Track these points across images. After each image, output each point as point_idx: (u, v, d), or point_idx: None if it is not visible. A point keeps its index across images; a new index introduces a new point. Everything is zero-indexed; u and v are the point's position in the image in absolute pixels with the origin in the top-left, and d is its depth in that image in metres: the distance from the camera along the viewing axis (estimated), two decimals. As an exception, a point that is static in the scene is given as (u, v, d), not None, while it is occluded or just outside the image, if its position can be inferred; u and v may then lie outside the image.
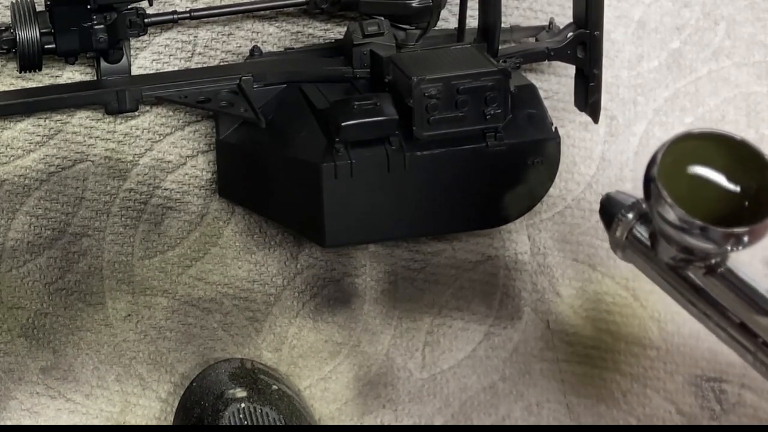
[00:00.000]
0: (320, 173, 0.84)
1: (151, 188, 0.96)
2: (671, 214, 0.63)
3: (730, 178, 0.65)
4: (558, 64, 0.98)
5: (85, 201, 0.95)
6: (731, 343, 0.67)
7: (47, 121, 0.94)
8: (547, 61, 0.95)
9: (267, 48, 0.96)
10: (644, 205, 0.70)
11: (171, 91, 0.90)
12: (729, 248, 0.63)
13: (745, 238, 0.62)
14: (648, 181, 0.64)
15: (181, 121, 0.96)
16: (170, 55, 0.95)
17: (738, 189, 0.65)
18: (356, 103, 0.84)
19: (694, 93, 1.04)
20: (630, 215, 0.71)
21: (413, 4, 0.90)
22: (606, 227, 0.73)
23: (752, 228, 0.62)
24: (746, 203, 0.64)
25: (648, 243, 0.71)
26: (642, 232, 0.71)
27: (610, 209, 0.73)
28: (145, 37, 0.93)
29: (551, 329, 1.01)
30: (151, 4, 0.88)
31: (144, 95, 0.89)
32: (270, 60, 0.94)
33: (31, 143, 0.94)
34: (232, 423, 0.90)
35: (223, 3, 0.95)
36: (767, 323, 0.63)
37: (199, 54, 0.96)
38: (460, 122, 0.84)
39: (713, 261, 0.65)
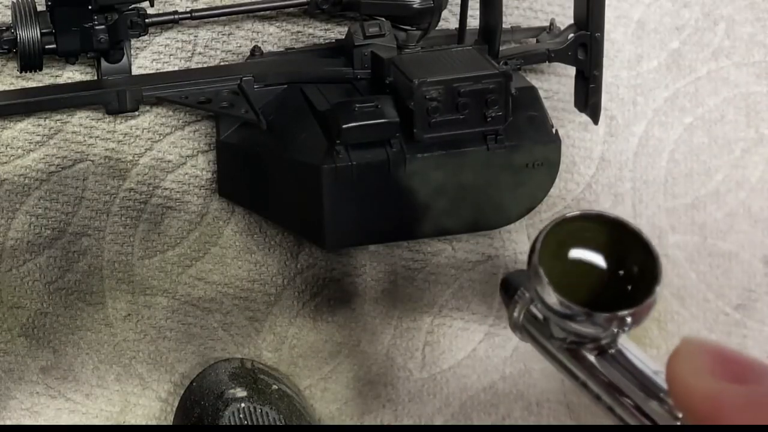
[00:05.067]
0: (321, 175, 0.84)
1: (151, 188, 0.96)
2: (552, 299, 0.62)
3: (612, 259, 0.64)
4: (558, 64, 0.98)
5: (85, 201, 0.95)
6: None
7: (47, 120, 0.94)
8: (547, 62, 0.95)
9: (267, 48, 0.96)
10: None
11: (172, 91, 0.90)
12: (615, 330, 0.62)
13: (629, 320, 0.61)
14: (530, 265, 0.63)
15: (181, 120, 0.96)
16: (170, 55, 0.95)
17: (620, 270, 0.63)
18: (357, 105, 0.84)
19: (694, 93, 1.04)
20: (528, 294, 0.70)
21: (414, 5, 0.90)
22: (506, 308, 0.72)
23: (635, 310, 0.61)
24: (629, 287, 0.63)
25: (544, 322, 0.69)
26: (538, 311, 0.69)
27: (509, 289, 0.72)
28: (146, 37, 0.93)
29: (551, 329, 1.01)
30: (152, 5, 0.88)
31: (144, 95, 0.89)
32: (271, 60, 0.94)
33: (31, 143, 0.94)
34: (232, 423, 0.90)
35: (223, 3, 0.95)
36: (657, 407, 0.61)
37: (200, 54, 0.96)
38: (461, 125, 0.84)
39: (603, 342, 0.64)
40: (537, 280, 0.62)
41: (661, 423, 0.60)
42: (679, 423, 0.59)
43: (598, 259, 0.64)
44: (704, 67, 1.04)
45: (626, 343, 0.64)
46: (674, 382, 0.49)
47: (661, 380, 0.61)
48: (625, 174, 1.03)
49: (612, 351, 0.64)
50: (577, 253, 0.64)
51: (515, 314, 0.71)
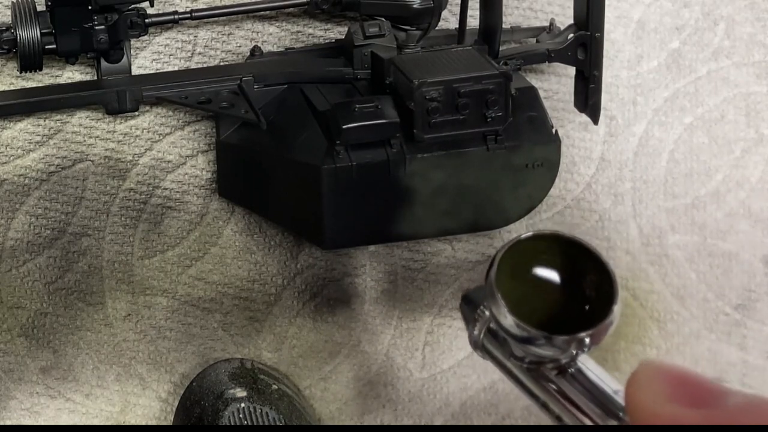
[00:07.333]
0: (321, 175, 0.84)
1: (151, 188, 0.96)
2: (509, 321, 0.61)
3: (569, 279, 0.63)
4: (558, 64, 0.98)
5: (85, 201, 0.95)
6: None
7: (47, 120, 0.94)
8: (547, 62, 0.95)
9: (267, 48, 0.96)
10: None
11: (172, 91, 0.90)
12: (574, 352, 0.62)
13: (588, 341, 0.60)
14: (486, 287, 0.62)
15: (181, 120, 0.96)
16: (170, 55, 0.95)
17: (578, 290, 0.62)
18: (357, 105, 0.84)
19: (694, 93, 1.04)
20: (488, 312, 0.69)
21: (414, 5, 0.90)
22: (466, 325, 0.71)
23: (593, 331, 0.60)
24: (587, 306, 0.63)
25: (503, 341, 0.68)
26: (499, 329, 0.68)
27: (469, 305, 0.71)
28: (145, 37, 0.93)
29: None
30: (152, 5, 0.88)
31: (144, 95, 0.89)
32: (270, 60, 0.94)
33: (31, 143, 0.94)
34: (232, 423, 0.90)
35: (223, 3, 0.95)
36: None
37: (199, 54, 0.96)
38: (461, 125, 0.84)
39: (563, 362, 0.64)
40: (493, 302, 0.62)
41: None
42: None
43: (555, 279, 0.64)
44: (704, 67, 1.04)
45: (586, 362, 0.64)
46: (633, 406, 0.49)
47: (620, 399, 0.60)
48: (625, 174, 1.03)
49: (572, 370, 0.63)
50: (534, 274, 0.64)
51: (475, 332, 0.70)
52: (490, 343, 0.69)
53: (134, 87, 0.89)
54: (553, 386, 0.63)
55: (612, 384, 0.61)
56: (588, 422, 0.61)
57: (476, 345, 0.70)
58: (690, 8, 1.03)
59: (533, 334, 0.61)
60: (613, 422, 0.59)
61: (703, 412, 0.46)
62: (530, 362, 0.65)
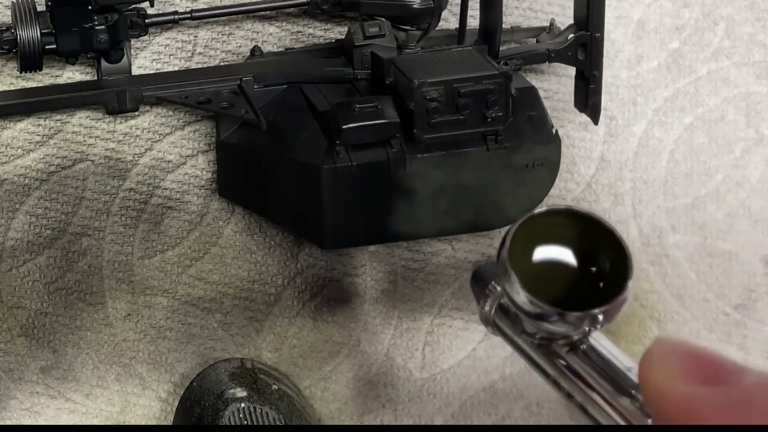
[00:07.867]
0: (321, 175, 0.84)
1: (151, 188, 0.96)
2: (522, 298, 0.60)
3: (583, 255, 0.62)
4: (558, 64, 0.98)
5: (85, 201, 0.95)
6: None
7: (47, 120, 0.94)
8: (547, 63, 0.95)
9: (267, 48, 0.96)
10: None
11: (172, 91, 0.90)
12: (587, 328, 0.61)
13: (601, 318, 0.60)
14: (499, 263, 0.62)
15: (181, 120, 0.96)
16: (170, 55, 0.95)
17: (592, 266, 0.62)
18: (357, 105, 0.84)
19: (694, 93, 1.04)
20: (499, 288, 0.69)
21: (414, 5, 0.90)
22: (477, 301, 0.71)
23: (606, 308, 0.59)
24: (600, 283, 0.62)
25: (514, 317, 0.67)
26: (511, 305, 0.67)
27: (480, 282, 0.71)
28: (145, 37, 0.93)
29: (551, 329, 1.01)
30: (152, 5, 0.88)
31: (144, 95, 0.89)
32: (271, 60, 0.94)
33: (31, 143, 0.94)
34: (232, 423, 0.90)
35: (223, 3, 0.95)
36: (628, 404, 0.60)
37: (200, 54, 0.96)
38: (461, 125, 0.84)
39: (575, 338, 0.64)
40: (506, 278, 0.61)
41: (632, 420, 0.60)
42: (650, 421, 0.58)
43: (569, 255, 0.63)
44: (704, 67, 1.04)
45: (599, 339, 0.63)
46: (646, 383, 0.48)
47: (633, 376, 0.60)
48: (625, 174, 1.03)
49: (583, 347, 0.63)
50: (547, 250, 0.63)
51: (486, 308, 0.70)
52: (501, 319, 0.68)
53: (134, 87, 0.89)
54: (564, 363, 0.63)
55: (625, 361, 0.60)
56: (599, 399, 0.61)
57: (487, 321, 0.69)
58: (690, 8, 1.03)
59: (546, 311, 0.60)
60: (626, 400, 0.59)
61: (719, 390, 0.45)
62: (541, 338, 0.64)
